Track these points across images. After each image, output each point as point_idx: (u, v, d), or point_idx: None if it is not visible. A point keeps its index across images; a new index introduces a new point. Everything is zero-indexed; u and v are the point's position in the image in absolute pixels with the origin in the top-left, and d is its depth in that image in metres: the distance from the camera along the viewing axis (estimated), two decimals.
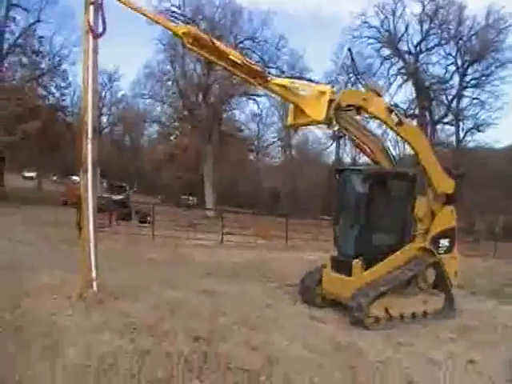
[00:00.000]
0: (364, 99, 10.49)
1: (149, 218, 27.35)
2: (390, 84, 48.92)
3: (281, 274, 15.05)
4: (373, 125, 21.69)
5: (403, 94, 52.02)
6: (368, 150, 11.50)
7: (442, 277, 11.38)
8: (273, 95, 11.75)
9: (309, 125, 11.47)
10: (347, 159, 59.88)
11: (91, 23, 8.98)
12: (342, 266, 10.97)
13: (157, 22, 9.82)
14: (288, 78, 11.52)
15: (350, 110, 10.62)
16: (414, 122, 47.76)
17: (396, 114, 10.91)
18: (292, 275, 13.90)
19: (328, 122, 10.26)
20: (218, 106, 50.22)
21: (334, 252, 11.52)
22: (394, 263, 10.85)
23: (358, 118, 11.20)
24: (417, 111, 49.79)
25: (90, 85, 8.70)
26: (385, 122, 11.03)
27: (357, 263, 10.62)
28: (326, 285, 11.32)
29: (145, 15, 9.66)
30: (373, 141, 11.50)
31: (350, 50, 10.92)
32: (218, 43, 10.00)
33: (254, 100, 54.64)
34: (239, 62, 10.11)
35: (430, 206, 11.63)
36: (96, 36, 9.25)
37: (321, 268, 11.65)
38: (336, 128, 10.95)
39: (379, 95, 10.84)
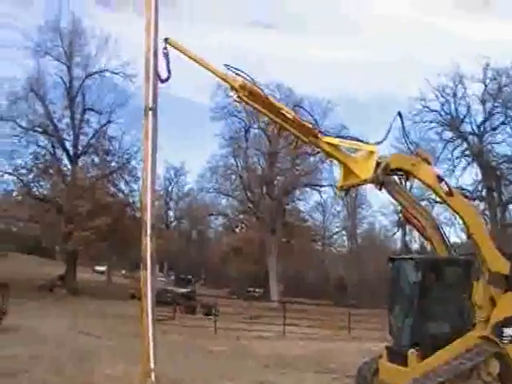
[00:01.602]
0: (413, 164, 10.56)
1: (213, 311, 27.56)
2: (455, 167, 47.78)
3: (341, 366, 14.83)
4: None
5: (468, 176, 50.36)
6: (419, 224, 11.36)
7: (509, 369, 10.65)
8: (324, 155, 11.83)
9: (358, 185, 11.53)
10: (415, 245, 58.63)
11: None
12: (397, 356, 10.76)
13: (214, 73, 10.33)
14: (338, 137, 11.67)
15: (398, 175, 10.69)
16: (482, 205, 46.83)
17: (446, 184, 10.86)
18: (352, 366, 13.66)
19: (375, 182, 10.32)
20: (281, 197, 51.14)
21: (390, 342, 11.35)
22: (453, 353, 10.44)
23: (409, 191, 11.14)
24: (484, 193, 48.34)
25: (148, 185, 9.33)
26: (434, 191, 10.94)
27: (413, 353, 10.39)
28: (382, 375, 11.09)
29: (202, 65, 10.21)
30: (424, 216, 11.38)
31: (399, 114, 10.98)
32: (271, 98, 10.45)
33: (318, 190, 55.25)
34: (290, 117, 10.51)
35: (488, 292, 11.25)
36: (162, 81, 9.92)
37: (377, 358, 11.46)
38: (384, 191, 10.91)
39: (429, 163, 10.89)
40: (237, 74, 10.19)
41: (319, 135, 10.74)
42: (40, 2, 70.93)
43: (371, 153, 10.34)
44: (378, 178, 10.33)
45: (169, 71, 9.82)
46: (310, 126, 10.75)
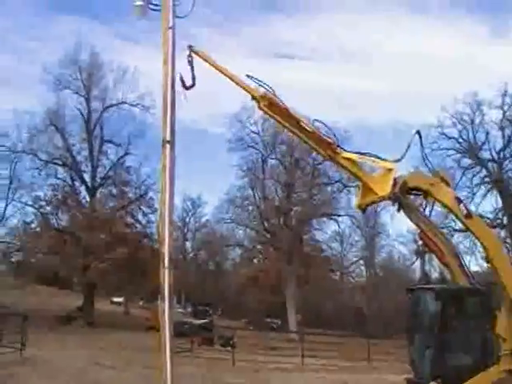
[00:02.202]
0: (431, 184, 10.48)
1: (231, 342, 27.33)
2: (474, 194, 46.85)
3: None
4: None
5: (488, 203, 49.49)
6: (437, 249, 11.21)
7: None
8: (342, 170, 11.73)
9: (375, 202, 11.41)
10: (435, 274, 57.81)
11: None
12: None
13: (236, 83, 10.43)
14: (356, 153, 11.55)
15: (416, 194, 10.60)
16: (502, 233, 46.09)
17: (465, 206, 10.75)
18: None
19: (392, 200, 10.23)
20: (298, 227, 51.00)
21: (410, 374, 11.15)
22: None
23: (427, 214, 11.00)
24: (505, 220, 47.60)
25: (166, 217, 9.39)
26: (452, 212, 10.83)
27: None
28: None
29: (224, 74, 10.30)
30: (443, 242, 11.23)
31: (418, 132, 10.94)
32: (290, 109, 10.52)
33: (335, 220, 55.02)
34: (309, 130, 10.52)
35: None
36: (186, 88, 10.03)
37: None
38: (402, 213, 10.78)
39: (448, 184, 10.80)
40: (259, 84, 10.38)
41: (338, 150, 10.75)
42: (60, 35, 72.58)
43: (389, 170, 10.33)
44: (396, 195, 10.27)
45: (193, 79, 10.00)
46: (329, 140, 10.78)
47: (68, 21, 77.68)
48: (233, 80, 10.55)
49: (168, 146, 9.35)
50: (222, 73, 10.43)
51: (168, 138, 9.31)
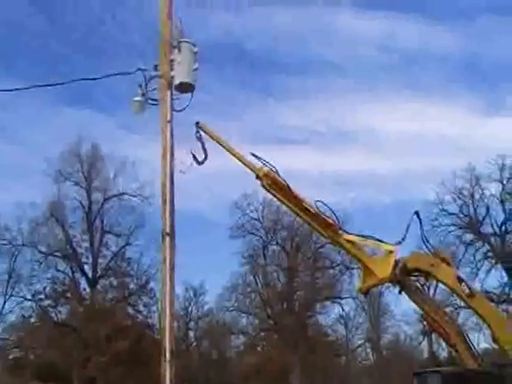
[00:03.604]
0: (432, 265, 10.52)
1: None
2: (478, 269, 46.68)
3: None
4: None
5: (493, 278, 48.94)
6: (442, 331, 11.11)
7: None
8: (343, 251, 11.78)
9: (376, 285, 11.40)
10: (443, 354, 56.29)
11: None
12: None
13: (240, 161, 10.64)
14: (358, 235, 11.69)
15: (417, 276, 10.59)
16: (511, 308, 45.30)
17: (467, 285, 10.74)
18: None
19: (393, 282, 10.21)
20: (302, 312, 50.37)
21: None
22: None
23: (431, 297, 11.01)
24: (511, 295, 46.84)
25: (167, 310, 9.38)
26: (454, 292, 10.86)
27: None
28: None
29: (229, 151, 10.55)
30: (447, 322, 11.15)
31: (417, 213, 11.12)
32: (293, 189, 10.63)
33: (339, 303, 54.35)
34: (312, 211, 10.60)
35: None
36: (198, 163, 10.18)
37: None
38: (405, 295, 10.74)
39: (448, 264, 10.83)
40: (262, 162, 10.67)
41: (339, 231, 10.89)
42: (59, 127, 74.68)
43: (390, 253, 10.44)
44: (396, 277, 10.32)
45: (205, 152, 10.30)
46: (331, 221, 10.94)
47: (70, 112, 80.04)
48: (237, 157, 10.90)
49: (168, 238, 9.52)
50: (227, 150, 10.77)
51: (168, 230, 9.49)
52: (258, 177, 10.85)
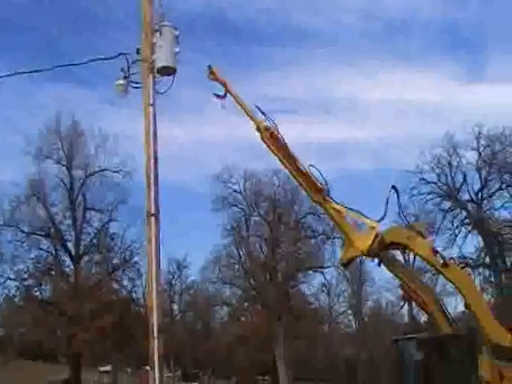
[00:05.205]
0: (408, 238, 10.99)
1: None
2: (456, 236, 47.52)
3: None
4: None
5: (470, 244, 49.86)
6: (419, 299, 11.64)
7: None
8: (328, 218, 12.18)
9: (356, 257, 11.86)
10: (423, 318, 57.59)
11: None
12: None
13: (244, 111, 11.27)
14: (344, 206, 12.10)
15: (395, 249, 11.10)
16: (486, 272, 46.52)
17: (441, 256, 11.26)
18: None
19: (371, 255, 10.69)
20: (285, 283, 51.01)
21: None
22: None
23: (409, 265, 11.49)
24: (487, 260, 47.59)
25: (154, 288, 9.69)
26: (429, 263, 11.38)
27: None
28: None
29: (236, 100, 11.13)
30: (424, 290, 11.68)
31: (394, 187, 11.55)
32: (289, 147, 11.12)
33: (321, 272, 55.14)
34: (303, 170, 11.05)
35: (496, 367, 11.33)
36: (220, 97, 10.96)
37: None
38: (383, 266, 11.24)
39: (423, 236, 11.32)
40: (265, 116, 11.14)
41: (327, 198, 11.31)
42: (41, 103, 73.84)
43: (372, 228, 10.91)
44: (374, 250, 10.79)
45: (225, 88, 11.02)
46: (320, 185, 11.37)
47: (51, 88, 79.08)
48: (241, 106, 11.28)
49: (153, 218, 9.80)
50: (234, 98, 11.14)
51: (153, 211, 9.76)
52: (258, 129, 11.30)
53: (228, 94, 11.04)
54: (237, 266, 52.81)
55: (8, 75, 10.42)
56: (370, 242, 10.78)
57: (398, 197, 11.86)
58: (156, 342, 9.37)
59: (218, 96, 10.72)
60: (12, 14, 73.84)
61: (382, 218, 11.31)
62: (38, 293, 44.90)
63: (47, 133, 44.40)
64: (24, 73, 10.73)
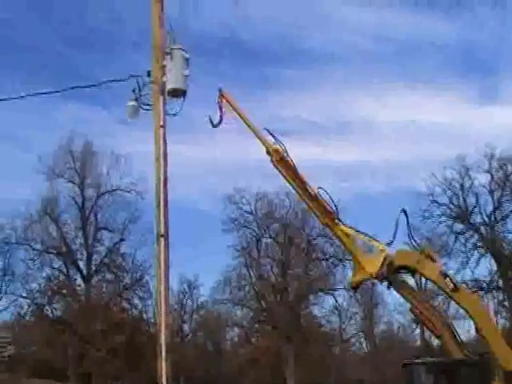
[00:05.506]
0: (417, 261, 10.94)
1: None
2: (469, 259, 47.28)
3: None
4: None
5: (483, 267, 49.30)
6: (429, 323, 11.54)
7: None
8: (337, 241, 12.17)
9: (365, 280, 11.81)
10: (436, 342, 56.82)
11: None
12: None
13: (254, 133, 11.36)
14: (353, 229, 12.15)
15: (405, 272, 11.03)
16: (500, 295, 45.94)
17: (451, 280, 11.15)
18: None
19: (380, 278, 10.64)
20: (296, 304, 50.73)
21: None
22: None
23: (417, 289, 11.44)
24: (501, 283, 47.12)
25: (163, 308, 9.71)
26: (439, 287, 11.29)
27: None
28: None
29: (245, 122, 11.22)
30: (434, 314, 11.58)
31: (404, 211, 11.54)
32: (298, 170, 11.16)
33: (332, 294, 54.76)
34: (312, 194, 11.07)
35: None
36: (213, 125, 10.76)
37: None
38: (392, 289, 11.18)
39: (433, 259, 11.25)
40: (274, 139, 11.25)
41: (336, 221, 11.32)
42: (54, 122, 74.50)
43: (381, 251, 10.89)
44: (383, 274, 10.75)
45: (220, 118, 10.91)
46: (330, 209, 11.38)
47: (65, 107, 79.82)
48: (252, 129, 11.38)
49: (162, 239, 9.83)
50: (244, 120, 11.25)
51: (162, 232, 9.81)
52: (268, 152, 11.37)
53: (237, 118, 11.15)
54: (247, 287, 52.70)
55: (21, 97, 10.60)
56: (379, 265, 10.77)
57: (407, 220, 11.87)
58: (164, 362, 9.36)
59: (212, 123, 10.73)
60: (25, 35, 74.58)
61: (392, 242, 11.31)
62: (49, 311, 45.11)
63: (60, 152, 45.06)
64: (37, 94, 10.91)
